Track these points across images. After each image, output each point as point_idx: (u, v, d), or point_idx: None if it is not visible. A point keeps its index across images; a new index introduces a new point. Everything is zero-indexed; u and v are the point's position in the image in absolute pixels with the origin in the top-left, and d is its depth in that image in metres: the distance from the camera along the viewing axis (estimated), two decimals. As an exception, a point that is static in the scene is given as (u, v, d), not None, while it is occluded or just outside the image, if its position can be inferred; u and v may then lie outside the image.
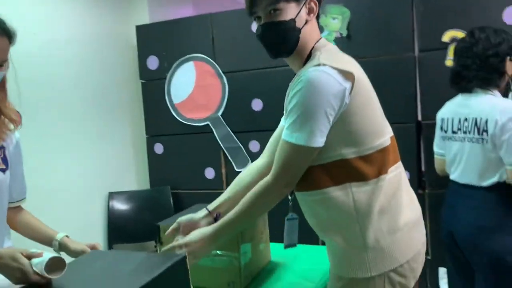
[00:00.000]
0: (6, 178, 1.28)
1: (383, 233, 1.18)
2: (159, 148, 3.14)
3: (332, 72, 1.12)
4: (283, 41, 1.20)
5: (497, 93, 1.85)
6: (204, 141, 2.99)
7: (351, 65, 1.19)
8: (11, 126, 1.30)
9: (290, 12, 1.19)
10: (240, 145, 2.89)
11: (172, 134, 3.09)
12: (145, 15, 3.24)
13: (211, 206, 1.41)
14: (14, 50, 2.47)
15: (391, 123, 1.32)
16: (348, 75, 1.14)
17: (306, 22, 1.21)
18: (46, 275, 0.96)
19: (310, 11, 1.22)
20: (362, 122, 1.17)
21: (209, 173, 3.01)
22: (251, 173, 1.45)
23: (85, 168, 2.79)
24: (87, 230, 2.76)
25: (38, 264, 0.97)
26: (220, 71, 2.90)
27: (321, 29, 2.58)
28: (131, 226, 2.96)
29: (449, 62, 2.41)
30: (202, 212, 1.39)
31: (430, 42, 2.45)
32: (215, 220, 1.37)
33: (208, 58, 2.92)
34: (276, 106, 2.76)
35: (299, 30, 1.20)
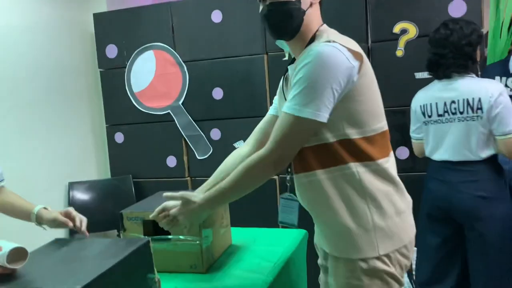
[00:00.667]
0: None
1: (390, 213, 1.19)
2: (119, 137, 3.13)
3: (342, 49, 1.12)
4: (287, 21, 1.20)
5: (474, 76, 2.08)
6: (165, 130, 3.01)
7: (358, 47, 1.20)
8: None
9: None
10: (202, 133, 2.93)
11: (132, 123, 3.08)
12: (102, 2, 3.19)
13: (200, 191, 1.40)
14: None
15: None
16: (357, 55, 1.14)
17: (311, 4, 1.22)
18: (9, 266, 0.98)
19: None
20: (367, 103, 1.17)
21: (171, 161, 3.03)
22: (235, 161, 1.44)
23: (44, 158, 2.75)
24: (47, 220, 2.73)
25: (0, 257, 0.99)
26: (181, 60, 2.91)
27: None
28: (93, 216, 2.91)
29: (399, 52, 2.54)
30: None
31: (382, 33, 2.57)
32: None
33: (168, 47, 2.93)
34: (237, 95, 2.84)
35: (304, 11, 1.21)
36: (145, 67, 2.99)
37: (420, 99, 2.20)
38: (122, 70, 3.03)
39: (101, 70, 3.12)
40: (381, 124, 1.22)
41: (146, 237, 1.36)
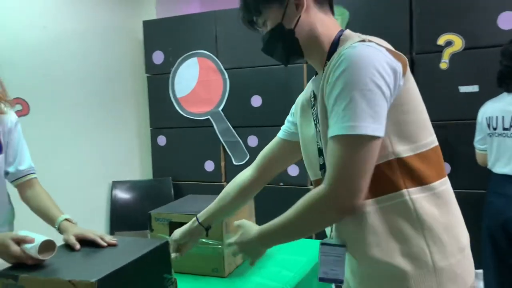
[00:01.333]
0: (2, 165, 1.39)
1: (452, 250, 0.97)
2: (162, 140, 3.25)
3: (380, 49, 0.95)
4: (281, 49, 1.08)
5: None
6: (205, 135, 3.09)
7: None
8: (4, 109, 1.38)
9: (275, 17, 1.05)
10: (239, 139, 2.98)
11: (174, 127, 3.19)
12: (152, 10, 3.34)
13: (201, 217, 1.39)
14: (24, 42, 2.59)
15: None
16: (398, 55, 0.97)
17: (298, 18, 1.04)
18: (39, 257, 1.07)
19: (297, 6, 1.04)
20: (415, 113, 0.98)
21: (209, 165, 3.10)
22: (235, 189, 1.37)
23: (90, 157, 2.91)
24: (90, 216, 2.88)
25: (32, 248, 1.07)
26: (222, 67, 2.98)
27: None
28: (133, 214, 3.08)
29: (443, 64, 2.46)
30: (194, 223, 1.39)
31: (426, 45, 2.50)
32: (206, 232, 1.40)
33: (211, 55, 3.01)
34: (275, 103, 2.87)
35: (292, 31, 1.05)
36: (189, 73, 3.09)
37: (487, 110, 2.16)
38: (167, 75, 3.15)
39: (148, 75, 3.26)
40: (432, 137, 1.02)
41: (168, 237, 1.41)
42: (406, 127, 0.96)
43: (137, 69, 3.32)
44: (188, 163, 3.17)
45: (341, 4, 2.63)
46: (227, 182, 3.05)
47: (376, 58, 0.92)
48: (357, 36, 1.02)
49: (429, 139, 1.00)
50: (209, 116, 3.06)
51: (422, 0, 2.50)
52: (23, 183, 1.46)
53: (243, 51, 2.92)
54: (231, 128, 2.99)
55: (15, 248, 1.07)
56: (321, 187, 0.94)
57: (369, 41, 0.97)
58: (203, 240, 1.52)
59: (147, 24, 3.22)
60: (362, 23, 2.61)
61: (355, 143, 0.90)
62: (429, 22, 2.48)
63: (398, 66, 0.94)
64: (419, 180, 0.96)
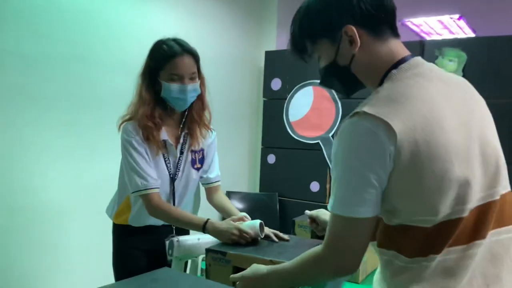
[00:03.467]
0: (198, 175, 1.75)
1: None
2: (271, 158, 3.56)
3: (371, 125, 0.85)
4: (339, 84, 1.05)
5: None
6: (313, 157, 3.35)
7: (423, 105, 0.87)
8: (208, 132, 1.76)
9: (328, 53, 1.00)
10: (347, 164, 3.20)
11: (285, 147, 3.50)
12: (273, 42, 3.72)
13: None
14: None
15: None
16: (390, 130, 0.84)
17: (354, 55, 0.97)
18: (260, 233, 1.44)
19: (351, 42, 0.96)
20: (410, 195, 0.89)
21: (314, 186, 3.36)
22: None
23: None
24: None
25: (250, 225, 1.46)
26: (336, 97, 3.26)
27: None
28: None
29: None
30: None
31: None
32: None
33: (326, 85, 3.30)
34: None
35: (347, 68, 0.98)
36: (303, 100, 3.39)
37: None
38: (283, 101, 3.48)
39: (265, 99, 3.62)
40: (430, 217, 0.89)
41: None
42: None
43: (255, 93, 3.69)
44: (295, 182, 3.45)
45: (459, 46, 2.80)
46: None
47: (362, 140, 0.86)
48: (371, 97, 0.92)
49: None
50: (319, 141, 3.33)
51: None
52: (210, 188, 1.83)
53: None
54: (340, 153, 3.23)
55: (237, 225, 1.44)
56: (319, 247, 0.96)
57: (365, 113, 0.86)
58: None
59: (269, 54, 3.60)
60: (479, 65, 2.75)
61: (335, 220, 0.91)
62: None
63: (391, 147, 0.84)
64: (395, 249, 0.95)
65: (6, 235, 2.10)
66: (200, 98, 1.72)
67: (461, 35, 5.23)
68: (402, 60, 0.95)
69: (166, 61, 1.57)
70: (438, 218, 0.87)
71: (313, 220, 1.43)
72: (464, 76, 2.83)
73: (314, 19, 1.00)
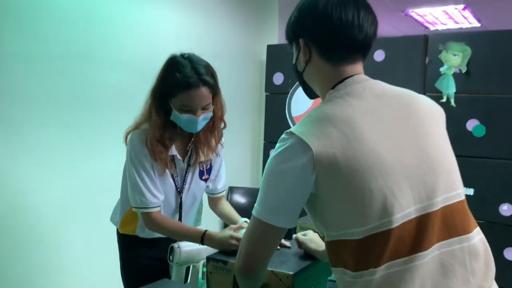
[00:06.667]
0: (205, 185, 1.74)
1: None
2: (274, 154, 3.55)
3: (293, 143, 0.91)
4: (301, 86, 1.13)
5: None
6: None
7: (343, 125, 0.91)
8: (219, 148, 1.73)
9: (294, 55, 1.08)
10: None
11: (287, 142, 3.47)
12: (275, 35, 3.67)
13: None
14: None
15: None
16: (307, 147, 0.89)
17: (307, 64, 1.03)
18: None
19: (304, 54, 1.03)
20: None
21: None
22: None
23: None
24: (214, 217, 3.24)
25: None
26: (339, 92, 3.22)
27: (441, 64, 2.80)
28: (248, 217, 3.39)
29: None
30: None
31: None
32: None
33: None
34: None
35: (300, 74, 1.08)
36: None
37: None
38: (285, 95, 3.45)
39: (267, 93, 3.59)
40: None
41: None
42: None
43: (257, 88, 3.67)
44: (297, 177, 3.43)
45: (464, 40, 2.76)
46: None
47: (284, 158, 0.92)
48: (322, 105, 0.98)
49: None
50: (321, 136, 3.30)
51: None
52: (215, 198, 1.83)
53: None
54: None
55: (237, 234, 1.41)
56: None
57: (291, 133, 0.93)
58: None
59: (271, 48, 3.55)
60: (483, 59, 2.71)
61: (255, 222, 0.97)
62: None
63: (307, 160, 0.89)
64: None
65: (6, 235, 2.11)
66: (212, 120, 1.63)
67: (466, 25, 5.16)
68: (342, 80, 0.99)
69: (179, 91, 1.49)
70: (366, 229, 0.88)
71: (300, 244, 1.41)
72: (468, 70, 2.83)
73: (292, 22, 1.07)
